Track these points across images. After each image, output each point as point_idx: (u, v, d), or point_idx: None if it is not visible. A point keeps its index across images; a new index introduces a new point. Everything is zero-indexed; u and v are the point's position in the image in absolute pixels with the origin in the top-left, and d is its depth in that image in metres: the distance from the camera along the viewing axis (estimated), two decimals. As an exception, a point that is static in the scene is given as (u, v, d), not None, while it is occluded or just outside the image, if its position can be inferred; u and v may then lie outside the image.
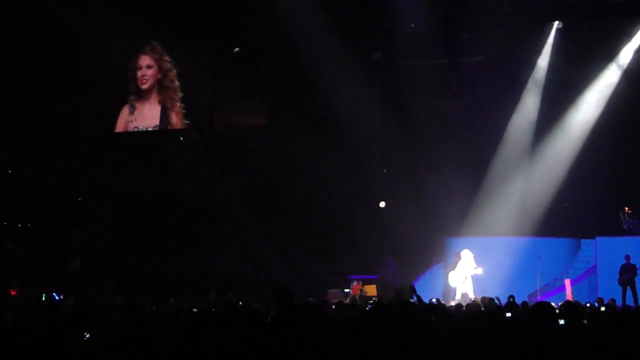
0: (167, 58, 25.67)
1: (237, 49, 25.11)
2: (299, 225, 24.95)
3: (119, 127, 26.05)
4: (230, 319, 8.77)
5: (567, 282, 21.00)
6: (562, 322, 8.48)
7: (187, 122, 25.69)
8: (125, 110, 25.99)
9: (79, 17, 22.78)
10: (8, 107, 25.44)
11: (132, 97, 25.98)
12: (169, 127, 25.80)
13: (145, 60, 25.81)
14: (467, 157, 23.58)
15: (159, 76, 25.76)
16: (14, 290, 20.97)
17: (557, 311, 8.62)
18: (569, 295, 20.31)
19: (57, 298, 19.43)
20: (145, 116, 25.82)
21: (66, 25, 22.79)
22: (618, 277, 20.39)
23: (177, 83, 25.62)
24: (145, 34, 25.42)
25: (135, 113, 25.91)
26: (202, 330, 8.37)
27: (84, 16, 22.94)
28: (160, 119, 25.67)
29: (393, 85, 24.86)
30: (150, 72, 25.75)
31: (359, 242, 24.08)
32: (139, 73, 25.83)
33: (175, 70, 25.62)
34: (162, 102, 25.73)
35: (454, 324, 9.52)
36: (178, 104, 25.54)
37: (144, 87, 25.80)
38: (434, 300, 14.47)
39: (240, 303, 14.89)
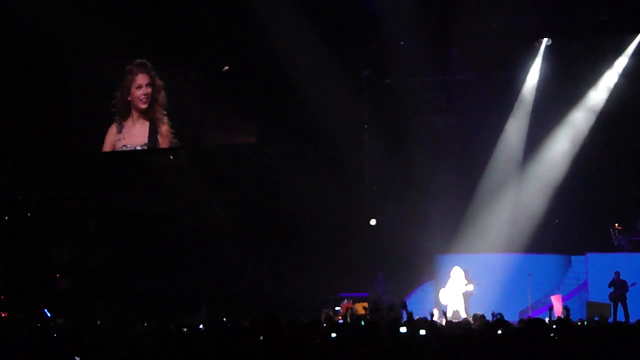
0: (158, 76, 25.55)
1: (226, 67, 25.08)
2: (289, 242, 24.89)
3: (107, 146, 25.85)
4: (221, 338, 8.71)
5: (554, 299, 20.92)
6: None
7: (175, 140, 25.55)
8: (113, 129, 25.79)
9: (66, 35, 22.76)
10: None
11: (117, 117, 25.75)
12: (157, 146, 25.66)
13: (144, 79, 25.56)
14: (457, 174, 23.58)
15: (153, 94, 25.58)
16: (4, 312, 20.80)
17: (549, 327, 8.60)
18: (558, 311, 20.23)
19: (48, 315, 19.23)
20: (134, 134, 25.64)
21: (53, 44, 22.76)
22: (609, 293, 20.39)
23: (165, 101, 25.47)
24: (133, 52, 25.33)
25: (123, 131, 25.69)
26: (192, 350, 8.30)
27: (71, 34, 22.92)
28: (149, 137, 25.50)
29: (382, 103, 24.91)
30: (149, 90, 25.52)
31: (350, 259, 24.01)
32: (139, 92, 25.54)
33: (164, 88, 25.47)
34: (150, 120, 25.57)
35: (445, 341, 9.47)
36: (167, 121, 25.39)
37: (144, 106, 25.52)
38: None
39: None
